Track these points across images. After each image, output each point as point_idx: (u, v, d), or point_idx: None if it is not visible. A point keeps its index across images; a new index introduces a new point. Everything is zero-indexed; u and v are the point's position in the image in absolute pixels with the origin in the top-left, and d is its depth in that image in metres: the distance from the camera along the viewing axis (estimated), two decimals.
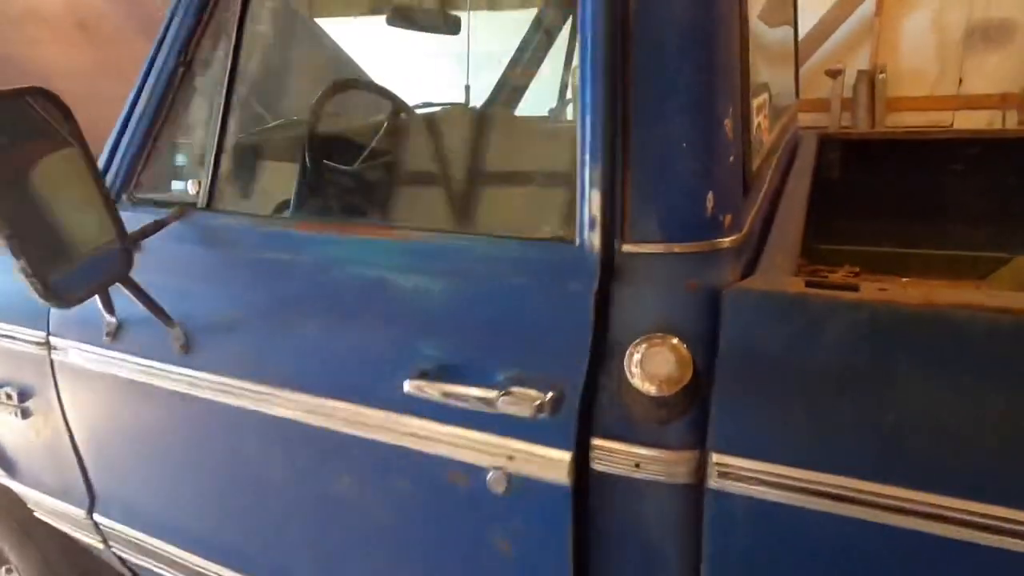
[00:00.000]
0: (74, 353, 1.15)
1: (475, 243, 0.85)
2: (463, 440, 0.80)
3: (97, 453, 1.22)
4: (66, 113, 0.86)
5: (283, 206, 1.26)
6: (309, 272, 0.92)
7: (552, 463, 0.75)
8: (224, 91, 1.01)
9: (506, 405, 0.73)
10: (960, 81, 4.81)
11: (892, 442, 0.63)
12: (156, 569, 1.24)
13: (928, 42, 4.84)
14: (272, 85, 1.34)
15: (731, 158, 0.76)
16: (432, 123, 1.39)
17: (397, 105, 1.42)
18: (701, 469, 0.71)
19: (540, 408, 0.72)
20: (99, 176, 0.89)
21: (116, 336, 1.09)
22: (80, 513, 1.28)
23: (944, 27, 4.79)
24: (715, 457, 0.69)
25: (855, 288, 0.69)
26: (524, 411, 0.72)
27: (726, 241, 0.76)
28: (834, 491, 0.65)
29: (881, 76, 4.86)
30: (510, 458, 0.77)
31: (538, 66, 1.79)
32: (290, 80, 1.38)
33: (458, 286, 0.83)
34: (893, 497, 0.63)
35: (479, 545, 0.83)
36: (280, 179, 1.27)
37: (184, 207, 1.06)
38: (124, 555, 1.30)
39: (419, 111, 1.43)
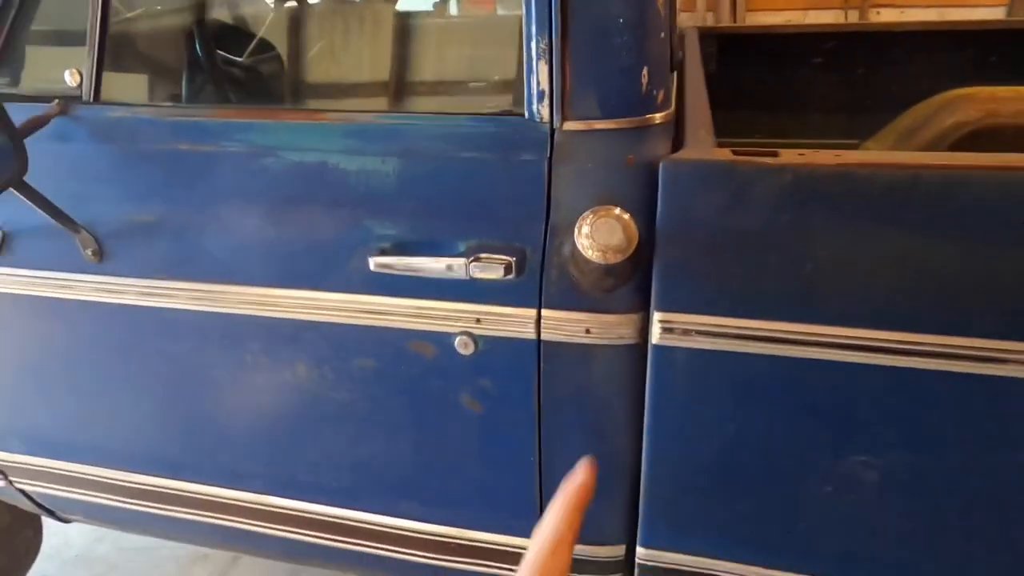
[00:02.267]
0: None
1: (425, 121, 0.84)
2: (428, 310, 0.82)
3: None
4: None
5: (174, 97, 1.16)
6: (239, 162, 0.87)
7: (519, 320, 0.80)
8: None
9: (477, 271, 0.77)
10: None
11: (811, 287, 0.73)
12: (71, 495, 1.19)
13: None
14: None
15: (662, 34, 0.79)
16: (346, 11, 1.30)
17: None
18: (645, 329, 0.79)
19: (508, 270, 0.76)
20: None
21: (1, 250, 0.99)
22: None
23: None
24: (658, 316, 0.77)
25: (776, 155, 0.77)
26: (495, 274, 0.76)
27: (659, 116, 0.80)
28: (763, 334, 0.74)
29: None
30: (478, 321, 0.81)
31: None
32: None
33: (409, 165, 0.83)
34: (813, 334, 0.73)
35: (448, 408, 0.87)
36: (165, 68, 1.16)
37: (64, 101, 0.95)
38: (29, 488, 1.23)
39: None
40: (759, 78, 2.54)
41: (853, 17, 5.03)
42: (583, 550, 0.94)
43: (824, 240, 0.73)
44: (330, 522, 1.04)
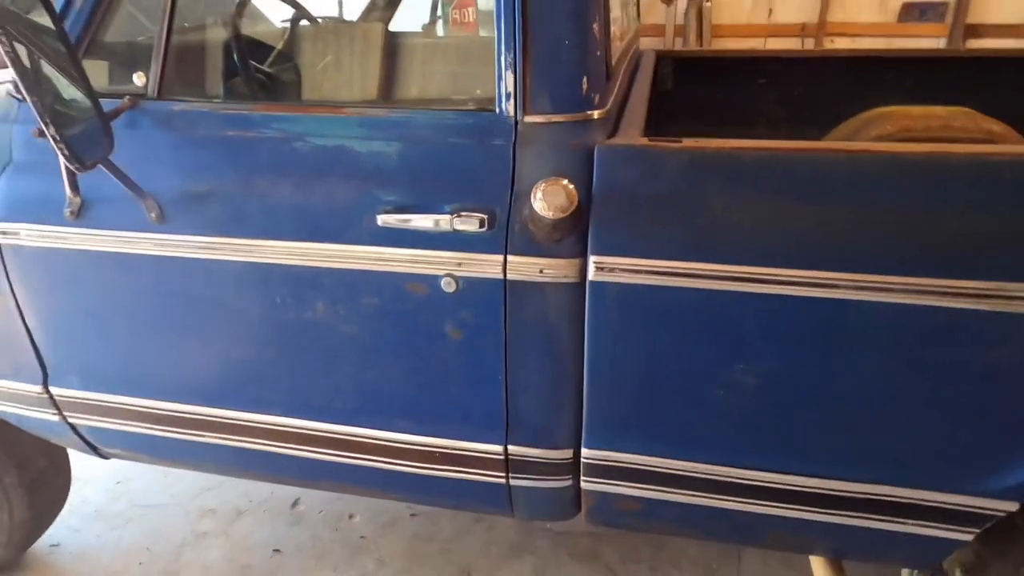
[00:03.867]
0: (25, 235, 1.27)
1: (421, 114, 1.12)
2: (420, 257, 1.09)
3: (53, 328, 1.36)
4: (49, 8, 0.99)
5: (217, 95, 1.42)
6: (274, 145, 1.14)
7: (490, 264, 1.06)
8: None
9: (459, 223, 1.04)
10: (770, 12, 5.49)
11: (702, 234, 1.00)
12: (115, 426, 1.42)
13: None
14: None
15: (598, 52, 1.07)
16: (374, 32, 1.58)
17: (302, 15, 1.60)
18: (584, 269, 1.05)
19: (482, 224, 1.03)
20: (80, 66, 1.03)
21: (79, 214, 1.23)
22: (36, 388, 1.42)
23: None
24: (593, 259, 1.04)
25: (679, 141, 1.05)
26: (472, 227, 1.03)
27: (596, 113, 1.08)
28: (670, 271, 1.01)
29: (707, 5, 5.42)
30: (459, 265, 1.07)
31: None
32: None
33: (408, 147, 1.10)
34: (708, 270, 1.00)
35: (436, 336, 1.13)
36: (211, 73, 1.43)
37: (135, 97, 1.21)
38: (80, 421, 1.46)
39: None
40: (712, 96, 2.85)
41: (809, 44, 5.43)
42: (539, 453, 1.20)
43: (712, 200, 1.01)
44: (338, 439, 1.29)
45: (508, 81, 1.05)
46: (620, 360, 1.09)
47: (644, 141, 1.05)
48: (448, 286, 1.10)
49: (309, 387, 1.26)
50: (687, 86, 2.82)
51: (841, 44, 5.35)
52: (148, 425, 1.39)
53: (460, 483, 1.28)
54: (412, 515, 2.04)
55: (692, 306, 1.03)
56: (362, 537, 1.96)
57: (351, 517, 2.04)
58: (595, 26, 1.05)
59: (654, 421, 1.13)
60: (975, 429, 1.01)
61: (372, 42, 1.38)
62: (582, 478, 1.21)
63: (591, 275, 1.04)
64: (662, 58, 2.72)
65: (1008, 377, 0.97)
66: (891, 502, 1.08)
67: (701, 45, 5.39)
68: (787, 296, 0.99)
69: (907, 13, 5.25)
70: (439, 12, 2.63)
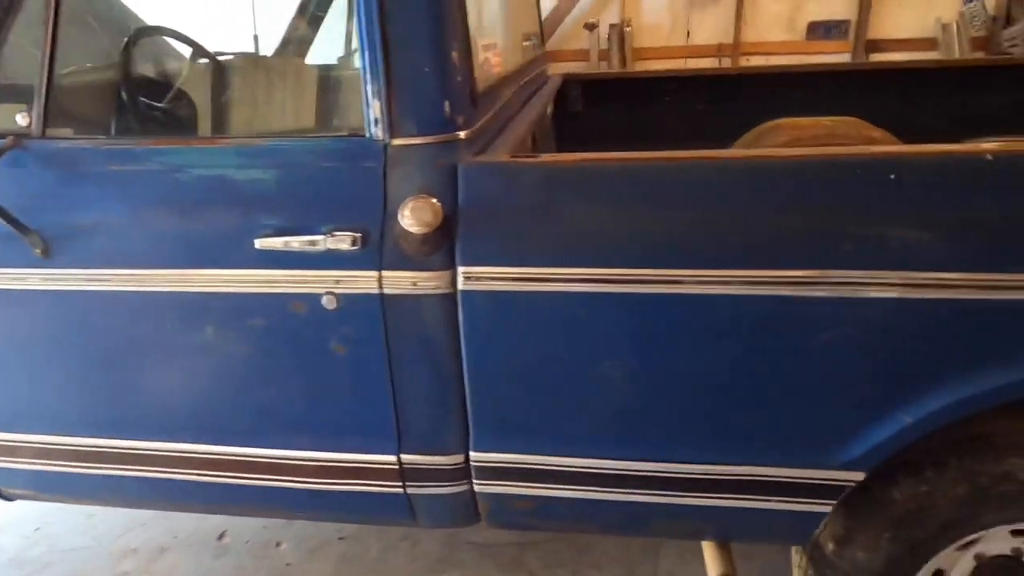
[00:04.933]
0: None
1: (296, 142, 1.19)
2: (301, 277, 1.14)
3: None
4: None
5: (104, 132, 1.46)
6: (157, 178, 1.18)
7: (366, 280, 1.12)
8: (50, 30, 1.20)
9: (333, 243, 1.10)
10: (688, 33, 5.75)
11: (561, 241, 1.08)
12: (14, 465, 1.42)
13: (662, 0, 5.69)
14: (82, 29, 1.50)
15: (458, 78, 1.15)
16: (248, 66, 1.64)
17: (199, 51, 1.65)
18: (455, 280, 1.12)
19: (355, 242, 1.09)
20: None
21: None
22: None
23: None
24: (461, 269, 1.10)
25: (537, 156, 1.13)
26: (346, 245, 1.09)
27: (461, 134, 1.15)
28: (534, 276, 1.09)
29: (628, 29, 5.65)
30: (337, 282, 1.13)
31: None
32: (96, 25, 1.54)
33: (285, 174, 1.16)
34: (568, 274, 1.07)
35: (322, 352, 1.18)
36: (97, 111, 1.47)
37: (18, 136, 1.24)
38: None
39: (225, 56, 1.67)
40: (621, 116, 2.98)
41: (726, 63, 5.69)
42: (431, 460, 1.25)
43: (568, 209, 1.09)
44: (239, 461, 1.31)
45: (375, 108, 1.12)
46: (496, 364, 1.15)
47: (505, 158, 1.13)
48: (329, 303, 1.15)
49: (207, 411, 1.29)
50: (598, 107, 2.95)
51: (756, 62, 5.63)
52: (49, 462, 1.39)
53: (361, 496, 1.32)
54: (340, 538, 2.05)
55: (556, 309, 1.10)
56: (288, 564, 1.97)
57: (278, 545, 2.04)
58: (454, 54, 1.13)
59: (535, 421, 1.19)
60: (819, 406, 1.10)
61: (260, 75, 1.44)
62: (475, 482, 1.26)
63: (460, 285, 1.11)
64: (569, 81, 2.84)
65: (841, 357, 1.06)
66: (757, 481, 1.17)
67: (624, 67, 5.60)
68: (641, 294, 1.07)
69: (814, 31, 5.55)
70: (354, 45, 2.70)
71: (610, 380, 1.13)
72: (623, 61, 5.61)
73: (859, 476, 1.13)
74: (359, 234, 1.11)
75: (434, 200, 1.09)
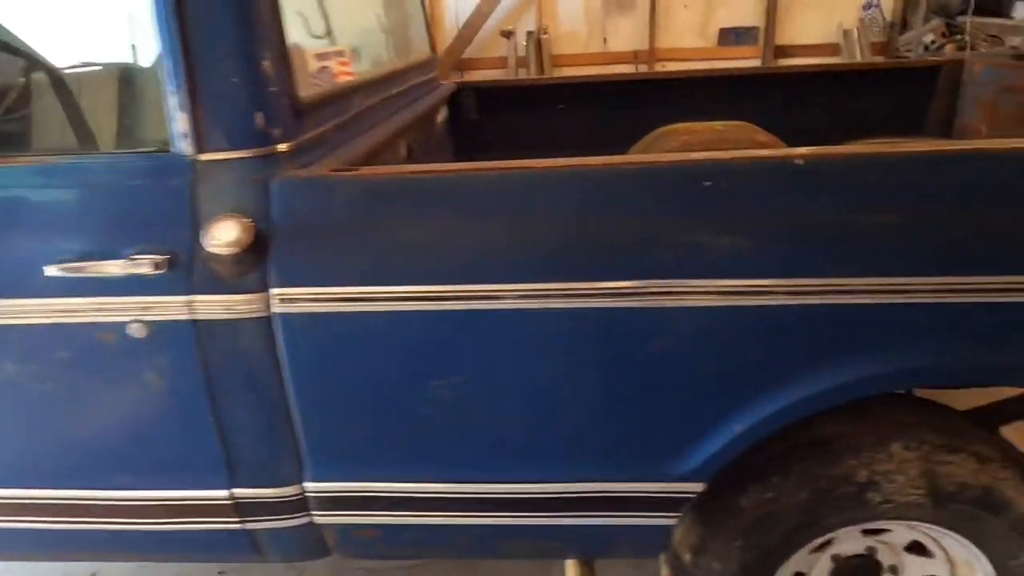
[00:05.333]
0: None
1: (97, 159, 1.09)
2: (107, 305, 1.05)
3: None
4: None
5: None
6: None
7: (177, 305, 1.04)
8: None
9: (137, 267, 1.02)
10: (605, 40, 5.81)
11: (379, 258, 1.03)
12: None
13: (578, 8, 5.74)
14: None
15: (274, 88, 1.09)
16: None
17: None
18: (268, 302, 1.05)
19: (161, 265, 1.01)
20: None
21: None
22: None
23: None
24: (275, 291, 1.04)
25: (357, 170, 1.07)
26: (150, 269, 1.01)
27: (280, 147, 1.09)
28: (353, 296, 1.03)
29: (545, 36, 5.67)
30: (145, 309, 1.05)
31: None
32: None
33: (86, 193, 1.07)
34: (388, 292, 1.02)
35: (137, 384, 1.09)
36: None
37: None
38: None
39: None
40: (520, 123, 2.95)
41: (643, 69, 5.77)
42: (267, 493, 1.18)
43: (387, 224, 1.04)
44: (73, 505, 1.21)
45: (181, 121, 1.05)
46: (321, 390, 1.09)
47: (322, 171, 1.07)
48: (138, 332, 1.07)
49: (24, 453, 1.18)
50: (497, 115, 2.92)
51: (671, 68, 5.72)
52: None
53: (199, 535, 1.23)
54: (220, 573, 1.95)
55: (378, 329, 1.05)
56: None
57: None
58: (265, 63, 1.07)
59: (368, 447, 1.13)
60: (650, 419, 1.08)
61: (59, 86, 1.34)
62: (313, 513, 1.19)
63: (276, 308, 1.04)
64: (463, 89, 2.80)
65: (666, 368, 1.04)
66: (598, 498, 1.14)
67: (542, 74, 5.61)
68: (462, 311, 1.02)
69: (725, 37, 5.69)
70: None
71: (439, 401, 1.08)
72: (541, 68, 5.62)
73: (698, 487, 1.12)
74: (166, 257, 1.04)
75: (245, 218, 1.03)
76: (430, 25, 2.55)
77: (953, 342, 1.00)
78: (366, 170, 1.07)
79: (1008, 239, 0.96)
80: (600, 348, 1.03)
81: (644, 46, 5.75)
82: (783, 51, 5.61)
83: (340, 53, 1.48)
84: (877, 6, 5.42)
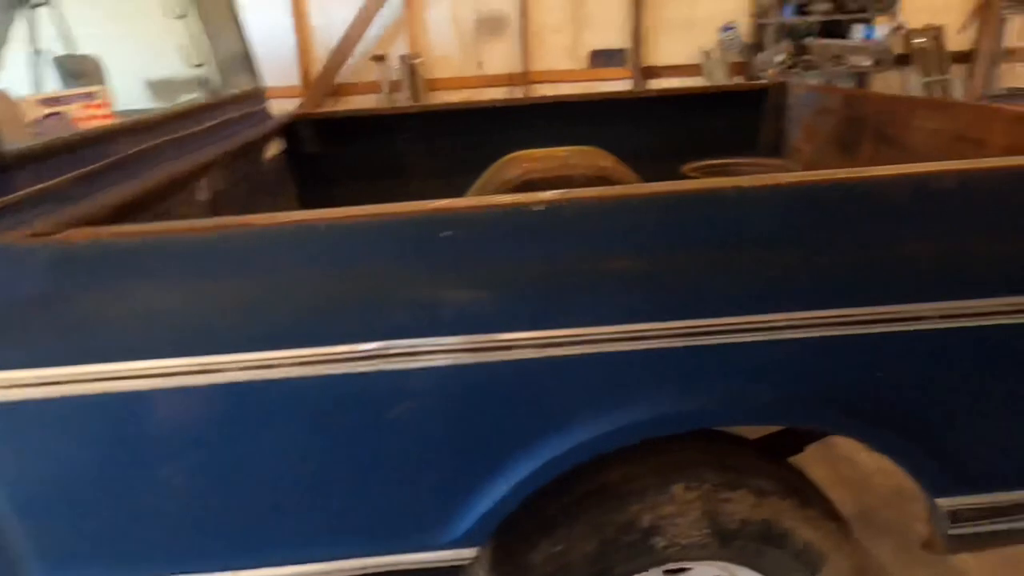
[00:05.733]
0: None
1: None
2: None
3: None
4: None
5: None
6: None
7: None
8: None
9: None
10: (480, 64, 5.82)
11: (79, 334, 0.90)
12: None
13: (449, 32, 5.72)
14: None
15: None
16: None
17: None
18: None
19: None
20: None
21: None
22: None
23: (460, 19, 5.70)
24: None
25: (52, 234, 0.94)
26: None
27: None
28: (44, 381, 0.90)
29: (418, 60, 5.62)
30: None
31: None
32: None
33: None
34: (91, 373, 0.90)
35: None
36: None
37: None
38: None
39: None
40: (368, 154, 2.86)
41: (518, 92, 5.82)
42: None
43: (86, 295, 0.91)
44: None
45: None
46: (32, 487, 0.95)
47: (10, 238, 0.94)
48: None
49: None
50: (346, 146, 2.82)
51: (545, 91, 5.79)
52: None
53: None
54: None
55: (85, 414, 0.92)
56: None
57: None
58: None
59: (101, 547, 1.00)
60: (410, 486, 1.00)
61: None
62: None
63: None
64: (300, 121, 2.69)
65: (420, 432, 0.97)
66: (368, 574, 1.04)
67: (416, 100, 5.55)
68: (177, 388, 0.91)
69: (596, 59, 5.82)
70: None
71: (172, 489, 0.96)
72: (415, 93, 5.56)
73: (470, 553, 1.04)
74: None
75: None
76: (252, 56, 2.42)
77: (700, 386, 0.97)
78: (63, 235, 0.93)
79: (757, 278, 0.95)
80: (344, 416, 0.94)
81: (519, 69, 5.79)
82: (651, 72, 5.79)
83: (89, 95, 1.34)
84: (734, 29, 5.69)
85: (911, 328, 0.96)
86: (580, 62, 5.83)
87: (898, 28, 5.33)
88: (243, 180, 2.17)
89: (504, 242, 0.95)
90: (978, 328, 0.97)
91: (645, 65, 5.77)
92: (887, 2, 5.24)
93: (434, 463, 0.98)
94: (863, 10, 5.33)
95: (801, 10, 5.33)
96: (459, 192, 2.53)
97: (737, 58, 5.70)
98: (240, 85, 2.30)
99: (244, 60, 2.38)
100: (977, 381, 1.01)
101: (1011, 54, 5.16)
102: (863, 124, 2.23)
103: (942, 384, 1.01)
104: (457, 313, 0.93)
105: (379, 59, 5.48)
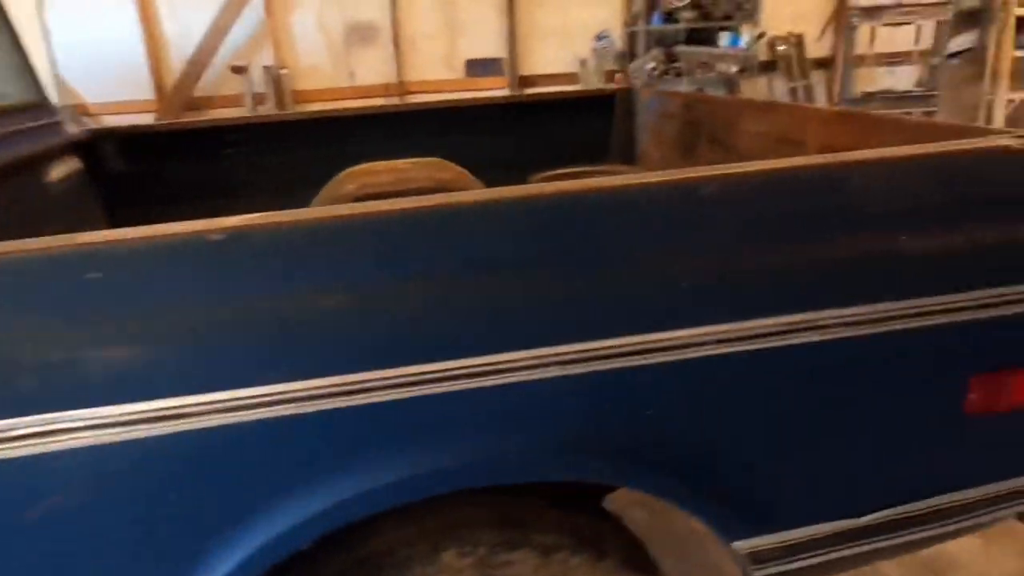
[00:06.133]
0: None
1: None
2: None
3: None
4: None
5: None
6: None
7: None
8: None
9: None
10: (352, 74, 5.58)
11: None
12: None
13: (318, 41, 5.46)
14: None
15: None
16: None
17: None
18: None
19: None
20: None
21: None
22: None
23: (327, 28, 5.45)
24: None
25: None
26: None
27: None
28: None
29: (283, 71, 5.32)
30: None
31: None
32: None
33: None
34: None
35: None
36: None
37: None
38: None
39: None
40: (177, 170, 2.58)
41: (395, 103, 5.61)
42: None
43: None
44: None
45: None
46: None
47: None
48: None
49: None
50: (162, 164, 2.53)
51: (422, 100, 5.62)
52: None
53: None
54: None
55: None
56: None
57: None
58: None
59: None
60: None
61: None
62: None
63: None
64: (101, 137, 2.39)
65: (111, 523, 0.76)
66: None
67: (283, 112, 5.25)
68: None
69: (472, 68, 5.70)
70: None
71: None
72: (281, 105, 5.26)
73: None
74: None
75: None
76: (31, 67, 2.11)
77: (435, 444, 0.81)
78: None
79: (485, 311, 0.80)
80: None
81: (393, 79, 5.60)
82: (528, 81, 5.72)
83: None
84: (608, 37, 5.72)
85: (680, 358, 0.84)
86: (457, 71, 5.70)
87: (760, 36, 5.49)
88: (14, 203, 1.88)
89: (174, 279, 0.75)
90: (755, 352, 0.86)
91: (522, 74, 5.70)
92: (750, 10, 5.39)
93: (139, 551, 0.78)
94: (728, 18, 5.46)
95: (669, 18, 5.41)
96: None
97: (612, 66, 5.73)
98: (10, 98, 1.99)
99: (20, 71, 2.07)
100: (759, 411, 0.90)
101: (862, 60, 5.42)
102: (700, 127, 2.18)
103: (719, 418, 0.89)
104: (115, 377, 0.72)
105: (239, 70, 5.14)
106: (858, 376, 0.92)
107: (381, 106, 3.09)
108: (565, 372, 0.80)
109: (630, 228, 0.82)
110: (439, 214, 0.80)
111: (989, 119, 5.63)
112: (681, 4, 5.23)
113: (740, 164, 0.86)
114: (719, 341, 0.82)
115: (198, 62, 5.16)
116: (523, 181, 2.77)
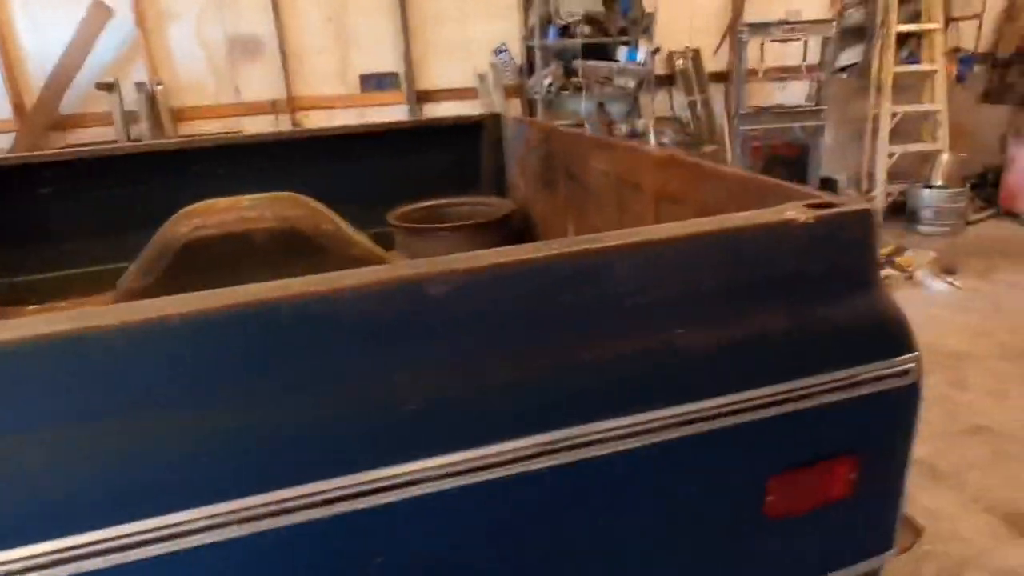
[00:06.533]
0: None
1: None
2: None
3: None
4: None
5: None
6: None
7: None
8: None
9: None
10: (237, 90, 5.27)
11: None
12: None
13: (198, 56, 5.13)
14: None
15: None
16: None
17: None
18: None
19: None
20: None
21: None
22: None
23: (207, 41, 5.12)
24: None
25: None
26: None
27: None
28: None
29: (159, 87, 4.96)
30: None
31: None
32: None
33: None
34: None
35: None
36: None
37: None
38: None
39: None
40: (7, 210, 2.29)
41: (285, 122, 5.34)
42: None
43: None
44: None
45: None
46: None
47: None
48: None
49: None
50: None
51: (315, 118, 5.37)
52: None
53: None
54: None
55: None
56: None
57: None
58: None
59: None
60: None
61: None
62: None
63: None
64: None
65: None
66: None
67: (160, 131, 4.90)
68: None
69: (367, 84, 5.48)
70: None
71: None
72: (157, 124, 4.90)
73: None
74: None
75: None
76: None
77: None
78: None
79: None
80: None
81: (282, 95, 5.32)
82: (426, 96, 5.54)
83: None
84: (507, 51, 5.61)
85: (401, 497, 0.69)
86: (351, 87, 5.47)
87: (656, 50, 5.50)
88: None
89: None
90: (492, 483, 0.72)
91: (420, 89, 5.52)
92: (645, 25, 5.39)
93: None
94: (624, 32, 5.44)
95: (565, 33, 5.34)
96: (130, 254, 2.05)
97: (511, 81, 5.62)
98: None
99: None
100: (507, 547, 0.76)
101: (755, 75, 5.49)
102: (558, 160, 2.07)
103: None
104: None
105: (106, 87, 4.76)
106: (634, 493, 0.80)
107: (233, 136, 2.86)
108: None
109: (330, 342, 0.67)
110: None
111: (876, 131, 5.82)
112: (573, 19, 5.17)
113: (469, 256, 0.71)
114: (437, 477, 0.68)
115: (60, 78, 4.76)
116: (388, 213, 2.60)
